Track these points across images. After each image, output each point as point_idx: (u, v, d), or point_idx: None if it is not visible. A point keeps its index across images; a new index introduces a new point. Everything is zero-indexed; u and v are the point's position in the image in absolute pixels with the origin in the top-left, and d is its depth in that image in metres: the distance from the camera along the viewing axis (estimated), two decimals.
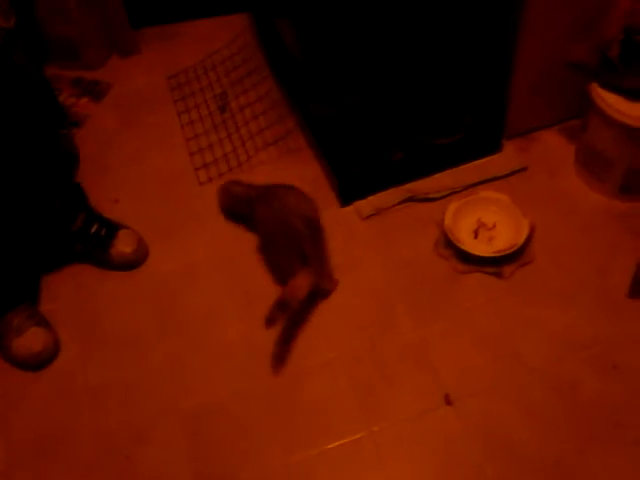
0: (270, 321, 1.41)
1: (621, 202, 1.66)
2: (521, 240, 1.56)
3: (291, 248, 1.49)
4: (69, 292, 1.62)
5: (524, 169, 1.75)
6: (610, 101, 1.56)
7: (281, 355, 1.47)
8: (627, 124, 1.53)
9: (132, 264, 1.64)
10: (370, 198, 1.72)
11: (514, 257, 1.56)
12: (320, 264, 1.53)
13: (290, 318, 1.49)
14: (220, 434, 1.38)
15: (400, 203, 1.71)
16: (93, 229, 1.62)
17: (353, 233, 1.68)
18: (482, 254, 1.55)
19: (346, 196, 1.73)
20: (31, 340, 1.48)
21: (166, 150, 1.93)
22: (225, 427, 1.38)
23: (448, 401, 1.37)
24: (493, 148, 1.79)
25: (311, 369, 1.45)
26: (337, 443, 1.34)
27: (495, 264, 1.55)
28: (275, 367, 1.46)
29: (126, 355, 1.51)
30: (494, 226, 1.63)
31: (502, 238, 1.60)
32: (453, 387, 1.39)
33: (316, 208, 1.57)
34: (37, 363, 1.49)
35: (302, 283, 1.44)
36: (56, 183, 1.56)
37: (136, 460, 1.36)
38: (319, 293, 1.55)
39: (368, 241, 1.66)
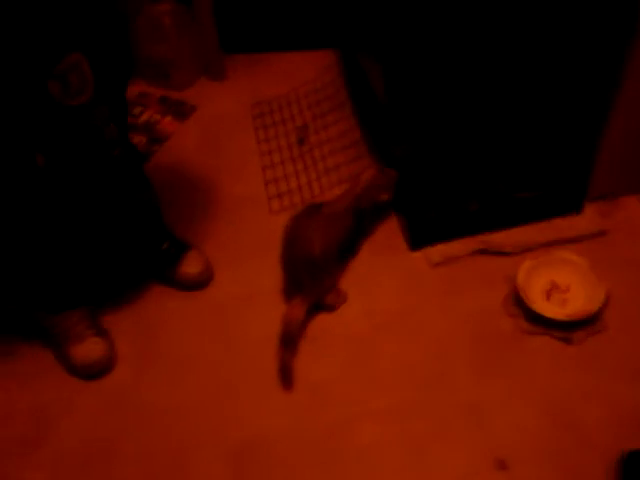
0: (283, 365, 1.47)
1: None
2: (595, 307, 1.50)
3: (291, 275, 1.58)
4: (131, 306, 1.64)
5: (604, 233, 1.70)
6: None
7: (287, 378, 1.47)
8: None
9: (197, 285, 1.66)
10: (441, 246, 1.70)
11: (586, 324, 1.50)
12: (320, 288, 1.57)
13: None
14: (262, 471, 1.36)
15: (471, 254, 1.67)
16: (164, 246, 1.64)
17: (420, 279, 1.65)
18: (553, 316, 1.50)
19: (417, 241, 1.70)
20: (90, 349, 1.50)
21: (242, 176, 1.95)
22: (268, 464, 1.37)
23: (501, 466, 1.32)
24: (574, 208, 1.74)
25: (363, 414, 1.42)
26: None
27: (565, 329, 1.50)
28: (285, 387, 1.47)
29: (180, 376, 1.52)
30: (568, 289, 1.57)
31: (575, 302, 1.54)
32: (507, 451, 1.34)
33: (331, 240, 1.58)
34: (93, 372, 1.51)
35: (295, 312, 1.51)
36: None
37: None
38: (323, 308, 1.59)
39: (435, 289, 1.63)
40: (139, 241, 1.62)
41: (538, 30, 1.46)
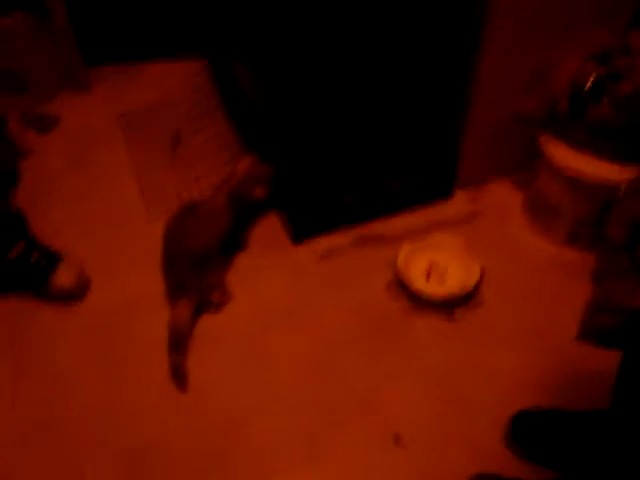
0: (175, 368, 1.43)
1: (568, 250, 1.69)
2: (471, 283, 1.56)
3: (174, 275, 1.54)
4: (4, 322, 1.55)
5: (475, 216, 1.78)
6: (557, 153, 1.60)
7: (181, 380, 1.43)
8: (573, 176, 1.58)
9: (71, 296, 1.58)
10: (323, 239, 1.71)
11: (465, 300, 1.56)
12: (204, 286, 1.54)
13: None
14: (156, 474, 1.30)
15: (352, 245, 1.70)
16: (33, 258, 1.56)
17: (305, 273, 1.66)
18: (433, 295, 1.54)
19: (298, 235, 1.71)
20: None
21: (114, 186, 1.89)
22: (161, 467, 1.31)
23: (397, 443, 1.34)
24: (445, 194, 1.82)
25: (253, 410, 1.40)
26: None
27: (446, 306, 1.55)
28: (181, 389, 1.43)
29: (59, 390, 1.43)
30: (445, 269, 1.63)
31: (453, 281, 1.60)
32: (402, 430, 1.36)
33: (214, 235, 1.57)
34: None
35: (181, 314, 1.48)
36: None
37: None
38: (209, 307, 1.56)
39: (320, 281, 1.64)
40: (2, 253, 1.53)
41: (396, 21, 1.52)
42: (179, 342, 1.45)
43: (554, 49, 1.61)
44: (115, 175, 1.93)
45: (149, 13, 2.21)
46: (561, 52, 1.61)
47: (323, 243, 1.71)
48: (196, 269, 1.50)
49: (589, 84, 1.58)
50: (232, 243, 1.65)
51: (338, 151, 1.70)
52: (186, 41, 2.26)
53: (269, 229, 1.76)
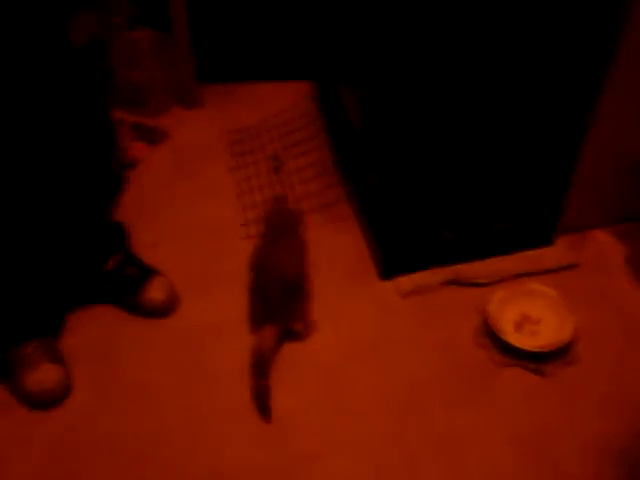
0: (260, 396, 1.41)
1: None
2: (566, 338, 1.48)
3: (263, 300, 1.53)
4: (91, 332, 1.58)
5: (575, 266, 1.69)
6: None
7: (266, 408, 1.41)
8: None
9: (161, 312, 1.61)
10: (413, 275, 1.68)
11: (557, 356, 1.48)
12: (291, 314, 1.53)
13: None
14: None
15: (443, 284, 1.65)
16: (127, 271, 1.60)
17: (391, 309, 1.63)
18: (524, 348, 1.47)
19: (388, 270, 1.68)
20: (44, 376, 1.43)
21: (215, 202, 1.92)
22: None
23: None
24: (545, 241, 1.74)
25: (331, 446, 1.37)
26: None
27: (536, 360, 1.47)
28: (265, 418, 1.41)
29: (140, 406, 1.45)
30: (539, 321, 1.56)
31: (546, 334, 1.53)
32: None
33: (303, 263, 1.58)
34: (46, 401, 1.43)
35: (267, 340, 1.47)
36: (94, 217, 1.56)
37: None
38: (291, 336, 1.53)
39: (406, 319, 1.60)
40: (100, 263, 1.59)
41: (511, 66, 1.48)
42: (263, 369, 1.45)
43: None
44: (217, 191, 1.96)
45: (263, 34, 2.26)
46: None
47: (411, 278, 1.67)
48: (287, 297, 1.50)
49: None
50: None
51: (440, 185, 1.66)
52: (296, 65, 2.29)
53: (355, 258, 1.74)
